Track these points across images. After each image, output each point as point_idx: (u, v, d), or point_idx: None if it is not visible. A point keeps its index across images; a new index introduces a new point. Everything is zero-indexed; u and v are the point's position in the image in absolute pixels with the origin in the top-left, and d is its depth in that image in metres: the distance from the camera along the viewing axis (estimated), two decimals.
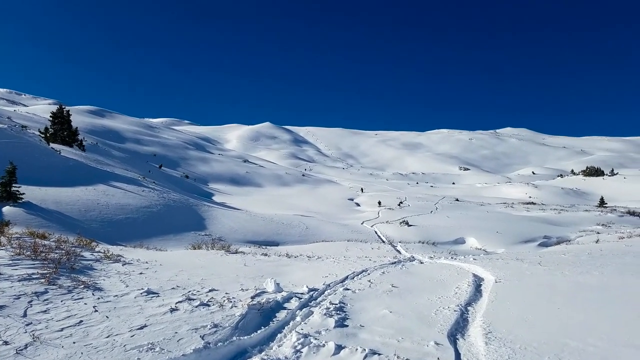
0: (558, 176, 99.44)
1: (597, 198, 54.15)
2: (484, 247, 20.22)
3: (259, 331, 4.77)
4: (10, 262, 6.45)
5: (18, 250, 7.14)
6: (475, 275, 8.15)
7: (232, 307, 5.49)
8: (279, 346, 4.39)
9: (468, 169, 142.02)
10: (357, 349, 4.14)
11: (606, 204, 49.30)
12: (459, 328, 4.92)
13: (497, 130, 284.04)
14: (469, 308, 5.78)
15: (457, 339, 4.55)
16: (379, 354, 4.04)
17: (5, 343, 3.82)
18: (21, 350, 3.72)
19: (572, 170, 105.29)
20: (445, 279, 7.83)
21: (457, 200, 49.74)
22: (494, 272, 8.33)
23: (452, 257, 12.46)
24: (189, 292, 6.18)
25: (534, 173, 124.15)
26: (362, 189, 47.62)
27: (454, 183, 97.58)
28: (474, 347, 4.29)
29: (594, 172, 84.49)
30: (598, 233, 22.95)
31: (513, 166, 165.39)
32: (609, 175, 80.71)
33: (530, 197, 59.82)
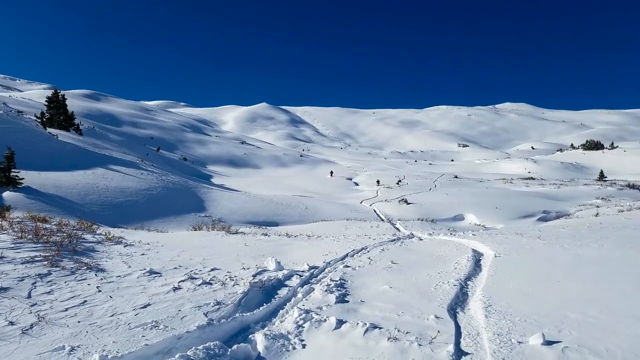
0: (557, 150, 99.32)
1: (596, 172, 54.17)
2: (483, 223, 20.32)
3: (261, 308, 4.84)
4: (13, 245, 6.49)
5: (20, 234, 7.17)
6: (474, 251, 8.21)
7: (234, 285, 5.55)
8: (281, 322, 4.47)
9: (467, 146, 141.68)
10: (358, 324, 4.20)
11: (606, 177, 49.36)
12: (458, 302, 4.99)
13: (496, 106, 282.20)
14: (468, 282, 5.84)
15: (457, 313, 4.62)
16: (380, 328, 4.10)
17: (11, 323, 3.88)
18: (27, 330, 3.78)
19: (572, 145, 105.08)
20: (444, 255, 7.90)
21: (455, 177, 49.76)
22: (493, 247, 8.39)
23: (451, 234, 12.54)
24: (191, 271, 6.25)
25: (533, 148, 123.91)
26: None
27: (452, 160, 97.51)
28: (474, 320, 4.35)
29: (593, 145, 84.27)
30: (597, 207, 23.03)
31: (512, 142, 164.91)
32: (609, 149, 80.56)
33: (529, 172, 59.81)
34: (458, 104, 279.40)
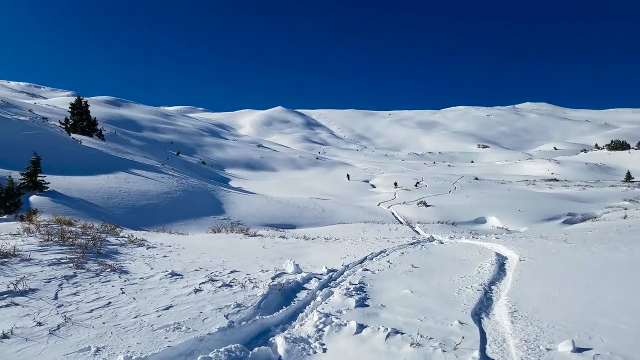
0: (581, 151, 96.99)
1: (623, 173, 52.74)
2: (506, 226, 19.93)
3: (280, 311, 4.83)
4: (40, 247, 6.64)
5: (46, 237, 7.34)
6: (498, 254, 8.05)
7: (253, 288, 5.56)
8: (301, 325, 4.44)
9: (487, 147, 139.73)
10: (379, 328, 4.14)
11: (633, 178, 47.97)
12: (483, 307, 4.87)
13: (516, 106, 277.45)
14: (492, 287, 5.71)
15: (482, 318, 4.50)
16: (402, 333, 4.03)
17: (39, 324, 3.96)
18: (54, 330, 3.85)
19: (596, 145, 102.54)
20: (467, 259, 7.76)
21: (476, 179, 49.05)
22: (518, 250, 8.19)
23: (473, 237, 12.33)
24: (212, 273, 6.29)
25: (555, 149, 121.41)
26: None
27: (472, 161, 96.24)
28: (499, 326, 4.23)
29: (619, 145, 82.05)
30: (625, 209, 22.35)
31: (534, 142, 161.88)
32: (635, 149, 78.30)
33: (552, 173, 58.58)
34: (476, 104, 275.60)
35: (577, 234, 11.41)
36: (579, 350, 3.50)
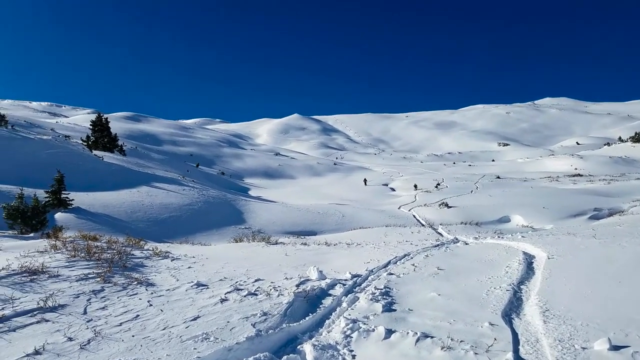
0: (605, 145, 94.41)
1: None
2: (531, 224, 19.51)
3: (307, 318, 4.80)
4: (67, 263, 6.76)
5: (73, 253, 7.47)
6: (525, 253, 7.88)
7: (278, 296, 5.55)
8: (328, 332, 4.41)
9: (507, 145, 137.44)
10: (408, 333, 4.08)
11: None
12: (513, 308, 4.77)
13: (536, 102, 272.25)
14: (522, 287, 5.59)
15: (513, 319, 4.40)
16: (432, 337, 3.97)
17: (70, 339, 4.01)
18: (85, 345, 3.90)
19: (620, 138, 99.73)
20: (493, 259, 7.60)
21: (498, 177, 48.21)
22: (545, 248, 8.00)
23: (498, 236, 12.11)
24: (236, 282, 6.32)
25: (578, 143, 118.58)
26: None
27: (493, 160, 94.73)
28: (531, 326, 4.13)
29: None
30: None
31: (555, 138, 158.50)
32: None
33: (576, 168, 57.15)
34: (495, 102, 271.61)
35: (605, 229, 11.07)
36: (616, 348, 3.39)
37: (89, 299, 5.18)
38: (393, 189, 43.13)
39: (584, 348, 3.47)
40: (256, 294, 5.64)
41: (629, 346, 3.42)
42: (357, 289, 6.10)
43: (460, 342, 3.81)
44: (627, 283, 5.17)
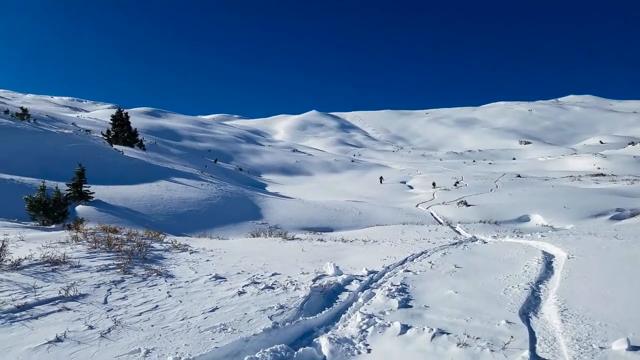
0: (629, 144, 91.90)
1: None
2: (551, 224, 19.19)
3: (323, 312, 4.84)
4: (88, 254, 6.90)
5: (94, 244, 7.62)
6: (544, 252, 7.76)
7: (295, 290, 5.60)
8: (344, 326, 4.43)
9: (529, 143, 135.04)
10: (424, 329, 4.08)
11: None
12: (530, 306, 4.72)
13: (559, 99, 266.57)
14: (540, 286, 5.52)
15: (530, 317, 4.36)
16: (448, 334, 3.96)
17: (90, 327, 4.10)
18: (105, 333, 3.98)
19: None
20: (512, 258, 7.51)
21: (518, 176, 47.47)
22: (565, 248, 7.86)
23: (517, 235, 11.95)
24: (254, 276, 6.38)
25: (601, 142, 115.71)
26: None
27: (514, 158, 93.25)
28: (548, 325, 4.08)
29: None
30: None
31: (578, 136, 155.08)
32: None
33: (598, 168, 55.87)
34: (517, 99, 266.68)
35: (627, 229, 10.83)
36: (634, 348, 3.35)
37: (110, 289, 5.28)
38: (411, 187, 42.87)
39: (601, 348, 3.42)
40: (273, 288, 5.70)
41: None
42: (373, 285, 6.11)
43: (477, 339, 3.79)
44: None
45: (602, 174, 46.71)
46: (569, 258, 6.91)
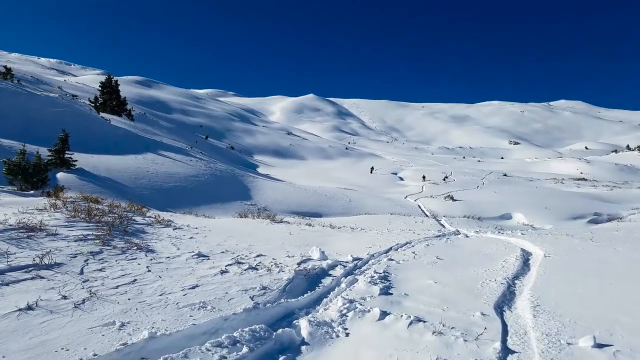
0: (612, 151, 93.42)
1: None
2: (532, 223, 19.53)
3: (305, 295, 4.89)
4: (66, 223, 6.74)
5: (73, 213, 7.41)
6: (523, 250, 7.91)
7: (279, 272, 5.63)
8: (325, 309, 4.49)
9: (518, 143, 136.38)
10: (402, 316, 4.16)
11: None
12: (505, 300, 4.83)
13: (551, 103, 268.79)
14: (516, 281, 5.64)
15: (504, 311, 4.48)
16: (424, 322, 4.04)
17: (64, 297, 4.03)
18: (79, 304, 3.92)
19: (628, 146, 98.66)
20: (491, 253, 7.65)
21: (505, 175, 48.01)
22: (543, 246, 8.05)
23: (498, 232, 12.13)
24: (238, 256, 6.39)
25: (587, 148, 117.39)
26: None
27: (502, 158, 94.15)
28: (521, 319, 4.21)
29: None
30: None
31: (565, 140, 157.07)
32: None
33: (581, 172, 56.75)
34: (511, 99, 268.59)
35: (603, 233, 11.15)
36: (599, 346, 3.48)
37: (87, 260, 5.19)
38: (402, 179, 43.11)
39: (569, 343, 3.54)
40: (257, 269, 5.72)
41: (612, 345, 3.50)
42: (357, 271, 6.18)
43: (452, 328, 3.89)
44: (617, 286, 5.26)
45: (584, 179, 47.47)
46: (545, 256, 7.09)
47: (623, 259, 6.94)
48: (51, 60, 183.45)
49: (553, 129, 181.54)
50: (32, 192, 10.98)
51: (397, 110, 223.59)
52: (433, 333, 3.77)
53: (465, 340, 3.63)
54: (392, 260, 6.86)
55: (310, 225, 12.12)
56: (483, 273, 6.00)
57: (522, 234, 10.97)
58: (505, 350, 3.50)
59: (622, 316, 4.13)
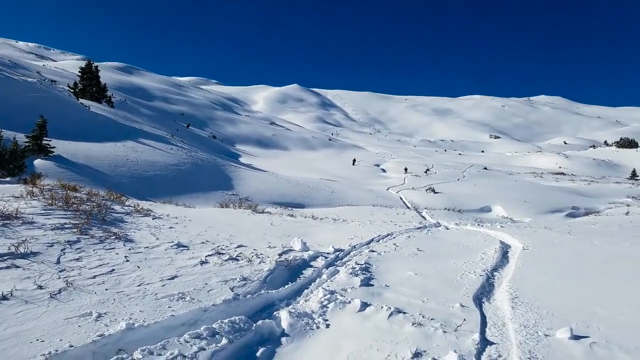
0: (590, 147, 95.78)
1: (629, 170, 52.15)
2: (511, 216, 19.90)
3: (286, 286, 4.86)
4: (43, 211, 6.59)
5: (50, 201, 7.24)
6: (502, 242, 8.05)
7: (260, 263, 5.59)
8: (305, 301, 4.48)
9: (499, 137, 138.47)
10: (382, 307, 4.17)
11: (638, 176, 47.52)
12: (484, 292, 4.89)
13: (531, 98, 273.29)
14: (495, 273, 5.73)
15: (483, 303, 4.53)
16: (404, 313, 4.06)
17: (40, 287, 3.93)
18: (55, 294, 3.83)
19: (606, 141, 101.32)
20: (471, 245, 7.76)
21: (485, 168, 48.75)
22: (522, 239, 8.21)
23: (478, 224, 12.32)
24: (218, 246, 6.32)
25: (565, 143, 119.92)
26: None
27: (483, 151, 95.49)
28: (499, 311, 4.26)
29: (627, 143, 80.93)
30: (628, 205, 22.21)
31: (545, 135, 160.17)
32: None
33: (560, 167, 58.10)
34: (492, 94, 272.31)
35: (580, 226, 11.46)
36: (576, 337, 3.54)
37: (64, 249, 5.08)
38: (384, 170, 43.35)
39: (546, 335, 3.60)
40: (237, 259, 5.67)
41: (588, 337, 3.57)
42: (338, 262, 6.18)
43: (431, 319, 3.92)
44: (594, 278, 5.38)
45: (562, 173, 48.57)
46: (524, 249, 7.23)
47: (600, 252, 7.11)
48: (30, 44, 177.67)
49: (533, 124, 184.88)
50: (8, 179, 10.69)
51: (380, 102, 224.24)
52: (413, 324, 3.79)
53: (445, 332, 3.66)
54: (374, 251, 6.88)
55: (292, 216, 12.09)
56: (463, 265, 6.07)
57: (501, 226, 11.17)
58: (484, 342, 3.53)
59: (598, 308, 4.22)
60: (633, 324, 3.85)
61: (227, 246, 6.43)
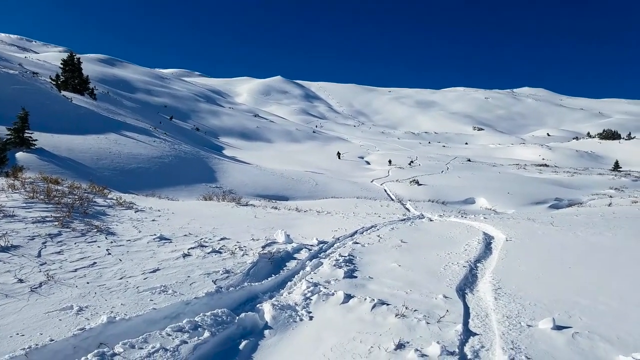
0: (573, 138, 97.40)
1: (612, 162, 53.18)
2: (494, 208, 20.13)
3: (269, 278, 4.85)
4: (24, 204, 6.50)
5: (32, 194, 7.17)
6: (485, 234, 8.13)
7: (243, 255, 5.56)
8: (289, 293, 4.47)
9: (482, 129, 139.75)
10: (365, 299, 4.18)
11: (621, 167, 48.53)
12: (467, 283, 4.95)
13: (514, 90, 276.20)
14: (478, 265, 5.79)
15: (466, 294, 4.58)
16: (388, 304, 4.08)
17: (20, 281, 3.89)
18: (36, 288, 3.80)
19: (588, 133, 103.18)
20: (454, 236, 7.83)
21: (469, 160, 49.23)
22: (505, 230, 8.30)
23: (462, 216, 12.43)
24: (201, 239, 6.27)
25: (549, 135, 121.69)
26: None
27: (466, 143, 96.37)
28: (482, 302, 4.31)
29: (610, 135, 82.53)
30: (611, 197, 22.66)
31: (528, 127, 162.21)
32: (626, 139, 78.73)
33: (543, 159, 58.98)
34: (476, 86, 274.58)
35: (563, 218, 11.59)
36: (558, 327, 3.59)
37: (45, 242, 5.01)
38: (368, 163, 43.44)
39: (529, 325, 3.64)
40: (220, 252, 5.63)
41: (570, 327, 3.62)
42: (322, 254, 6.18)
43: (414, 311, 3.94)
44: (576, 269, 5.45)
45: (545, 165, 49.32)
46: (507, 240, 7.30)
47: (582, 243, 7.22)
48: (11, 36, 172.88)
49: (516, 116, 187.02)
50: None
51: (364, 95, 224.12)
52: (396, 316, 3.81)
53: (428, 323, 3.69)
54: (358, 243, 6.90)
55: (276, 208, 12.05)
56: (446, 256, 6.13)
57: (484, 218, 11.28)
58: (467, 333, 3.57)
59: (580, 299, 4.28)
60: (614, 314, 3.92)
61: (210, 239, 6.38)
